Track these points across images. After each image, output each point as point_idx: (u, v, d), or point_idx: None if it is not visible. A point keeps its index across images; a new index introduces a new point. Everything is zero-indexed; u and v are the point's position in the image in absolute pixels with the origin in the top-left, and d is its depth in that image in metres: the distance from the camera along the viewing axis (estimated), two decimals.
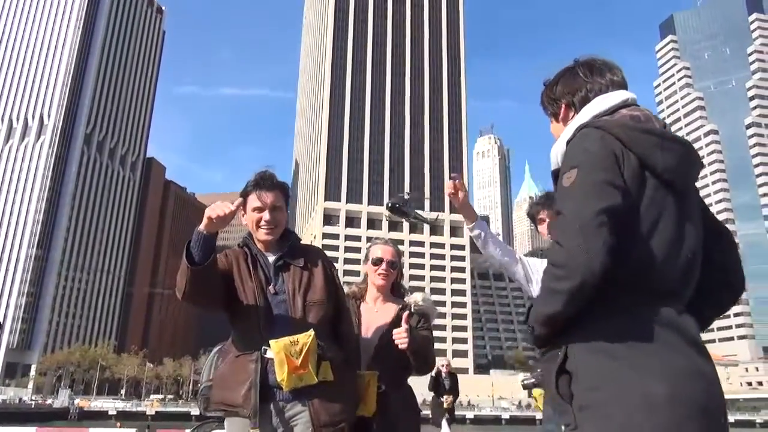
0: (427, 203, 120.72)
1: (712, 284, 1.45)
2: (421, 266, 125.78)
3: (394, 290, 2.78)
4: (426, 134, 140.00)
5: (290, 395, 2.12)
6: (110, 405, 59.11)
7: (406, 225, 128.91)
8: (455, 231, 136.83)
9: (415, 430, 2.53)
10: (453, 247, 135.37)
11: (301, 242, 2.40)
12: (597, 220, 1.28)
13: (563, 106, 1.59)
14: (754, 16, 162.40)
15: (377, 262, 2.70)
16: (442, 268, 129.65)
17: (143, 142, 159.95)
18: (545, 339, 1.37)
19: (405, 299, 2.72)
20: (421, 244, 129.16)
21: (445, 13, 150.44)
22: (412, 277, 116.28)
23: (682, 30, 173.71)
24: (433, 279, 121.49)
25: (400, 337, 2.43)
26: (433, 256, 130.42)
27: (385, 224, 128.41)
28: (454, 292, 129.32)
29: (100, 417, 50.95)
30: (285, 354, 2.05)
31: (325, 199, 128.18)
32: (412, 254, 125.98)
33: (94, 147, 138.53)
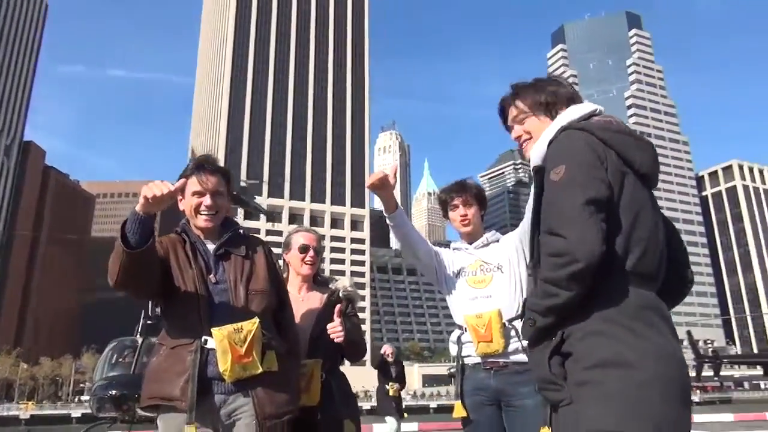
0: (265, 189, 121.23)
1: (669, 277, 1.55)
2: (321, 259, 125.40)
3: (315, 277, 2.77)
4: (329, 128, 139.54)
5: (232, 387, 1.99)
6: None
7: (306, 218, 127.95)
8: (356, 225, 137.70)
9: (355, 416, 2.55)
10: (353, 240, 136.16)
11: (242, 230, 2.27)
12: (588, 209, 1.38)
13: (531, 112, 1.68)
14: (633, 31, 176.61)
15: (304, 249, 2.68)
16: (342, 262, 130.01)
17: (20, 124, 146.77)
18: (549, 329, 1.41)
19: (331, 285, 2.72)
20: (320, 237, 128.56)
21: (350, 9, 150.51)
22: None
23: (571, 40, 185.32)
24: (332, 272, 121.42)
25: (335, 330, 2.45)
26: (333, 250, 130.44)
27: (285, 217, 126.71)
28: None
29: None
30: (229, 342, 1.94)
31: None
32: None
33: None
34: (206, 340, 1.99)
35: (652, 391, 1.29)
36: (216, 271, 2.12)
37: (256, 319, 2.02)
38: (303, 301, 2.62)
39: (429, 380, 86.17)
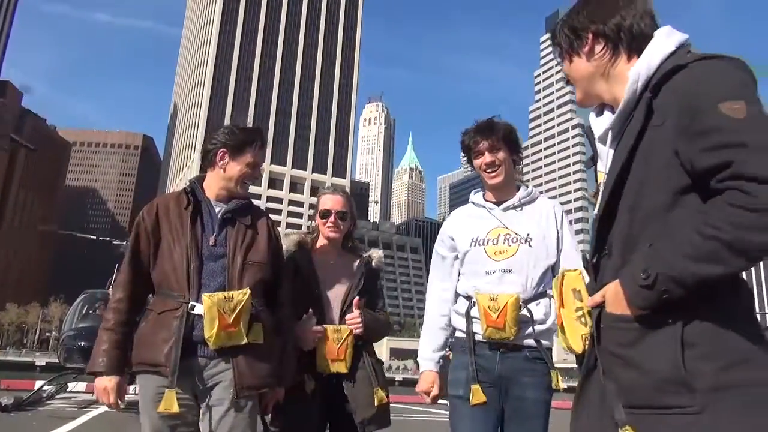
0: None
1: None
2: (299, 227, 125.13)
3: (344, 242, 2.65)
4: (315, 94, 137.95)
5: (215, 352, 2.01)
6: None
7: (286, 182, 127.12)
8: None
9: (385, 384, 2.51)
10: None
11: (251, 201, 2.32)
12: None
13: (590, 36, 1.33)
14: None
15: (325, 215, 2.58)
16: None
17: None
18: (672, 303, 1.06)
19: (363, 254, 2.63)
20: (300, 204, 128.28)
21: None
22: None
23: None
24: None
25: (354, 322, 2.42)
26: (311, 218, 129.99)
27: (264, 181, 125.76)
28: None
29: None
30: (218, 310, 1.96)
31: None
32: (291, 214, 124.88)
33: None
34: (193, 306, 2.00)
35: None
36: (217, 234, 2.13)
37: (248, 290, 2.02)
38: (333, 264, 2.53)
39: (396, 353, 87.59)
